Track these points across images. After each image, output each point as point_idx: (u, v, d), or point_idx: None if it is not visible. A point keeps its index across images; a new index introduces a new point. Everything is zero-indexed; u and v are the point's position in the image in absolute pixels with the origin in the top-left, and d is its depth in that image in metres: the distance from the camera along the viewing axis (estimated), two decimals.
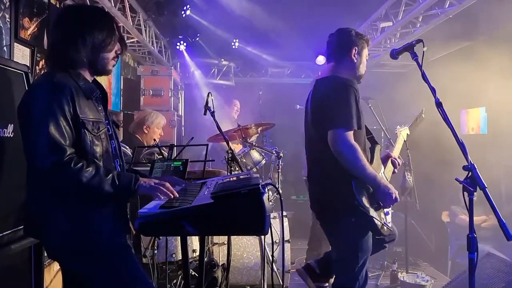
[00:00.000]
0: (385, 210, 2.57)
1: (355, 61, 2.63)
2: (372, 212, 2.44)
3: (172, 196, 1.90)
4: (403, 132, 3.39)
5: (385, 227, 2.48)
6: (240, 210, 1.66)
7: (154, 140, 3.69)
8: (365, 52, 2.68)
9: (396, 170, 2.90)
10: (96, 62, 1.98)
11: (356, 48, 2.62)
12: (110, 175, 1.82)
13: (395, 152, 3.04)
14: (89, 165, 1.80)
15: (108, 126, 2.05)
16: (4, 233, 2.17)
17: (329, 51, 2.71)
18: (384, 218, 2.53)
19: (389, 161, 2.88)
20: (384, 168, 2.78)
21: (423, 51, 2.15)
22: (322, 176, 2.58)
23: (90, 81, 2.03)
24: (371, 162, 2.60)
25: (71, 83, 1.88)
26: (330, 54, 2.71)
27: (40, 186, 1.85)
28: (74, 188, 1.79)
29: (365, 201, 2.43)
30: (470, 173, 1.88)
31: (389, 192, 2.44)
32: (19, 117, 1.90)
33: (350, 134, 2.39)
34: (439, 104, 2.03)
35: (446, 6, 4.37)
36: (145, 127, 4.21)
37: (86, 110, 1.90)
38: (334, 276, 2.71)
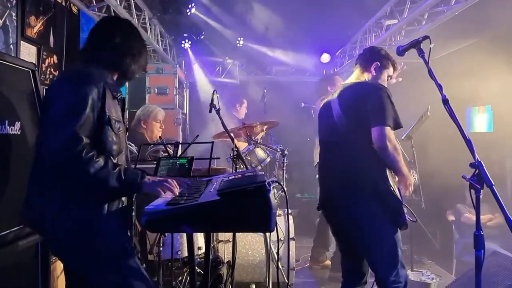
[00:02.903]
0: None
1: (374, 74, 2.83)
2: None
3: (175, 191, 1.92)
4: None
5: (406, 217, 2.57)
6: (246, 207, 1.65)
7: (160, 137, 3.69)
8: (388, 71, 2.86)
9: None
10: (124, 69, 2.09)
11: (378, 64, 2.81)
12: (117, 169, 1.84)
13: None
14: (98, 156, 1.81)
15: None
16: (12, 230, 2.19)
17: (357, 60, 2.94)
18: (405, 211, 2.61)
19: None
20: None
21: (430, 48, 2.14)
22: (356, 171, 2.62)
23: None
24: None
25: (104, 80, 1.95)
26: (358, 63, 2.92)
27: (48, 178, 1.86)
28: (82, 177, 1.79)
29: (396, 191, 2.57)
30: (477, 170, 1.87)
31: (410, 184, 2.64)
32: (46, 98, 1.95)
33: (392, 132, 2.55)
34: (445, 101, 2.01)
35: (452, 3, 4.33)
36: (142, 122, 4.22)
37: (112, 109, 1.96)
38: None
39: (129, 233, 2.06)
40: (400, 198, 2.57)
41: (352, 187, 2.61)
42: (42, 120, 1.95)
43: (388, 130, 2.51)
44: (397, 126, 2.60)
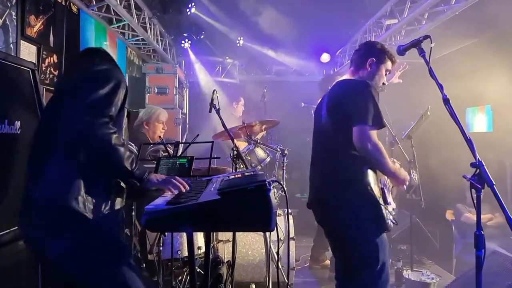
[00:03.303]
0: (390, 208, 2.59)
1: (370, 69, 2.75)
2: (382, 202, 2.50)
3: (183, 189, 1.94)
4: None
5: (389, 222, 2.51)
6: (247, 206, 1.65)
7: (160, 137, 3.68)
8: (386, 66, 2.77)
9: None
10: None
11: (374, 59, 2.73)
12: (133, 155, 1.90)
13: None
14: (120, 133, 1.90)
15: None
16: (12, 230, 2.18)
17: (353, 56, 2.88)
18: (389, 213, 2.55)
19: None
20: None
21: (431, 47, 2.14)
22: (334, 169, 2.61)
23: None
24: None
25: None
26: (353, 60, 2.86)
27: (48, 175, 1.84)
28: (101, 144, 1.81)
29: (376, 191, 2.50)
30: (477, 170, 1.87)
31: (404, 179, 2.56)
32: (74, 76, 2.03)
33: (374, 132, 2.46)
34: (446, 101, 2.01)
35: (453, 3, 4.34)
36: (145, 123, 4.22)
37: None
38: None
39: (128, 233, 2.07)
40: (382, 200, 2.51)
41: (333, 187, 2.59)
42: (66, 91, 1.97)
43: (369, 130, 2.44)
44: (379, 125, 2.49)
